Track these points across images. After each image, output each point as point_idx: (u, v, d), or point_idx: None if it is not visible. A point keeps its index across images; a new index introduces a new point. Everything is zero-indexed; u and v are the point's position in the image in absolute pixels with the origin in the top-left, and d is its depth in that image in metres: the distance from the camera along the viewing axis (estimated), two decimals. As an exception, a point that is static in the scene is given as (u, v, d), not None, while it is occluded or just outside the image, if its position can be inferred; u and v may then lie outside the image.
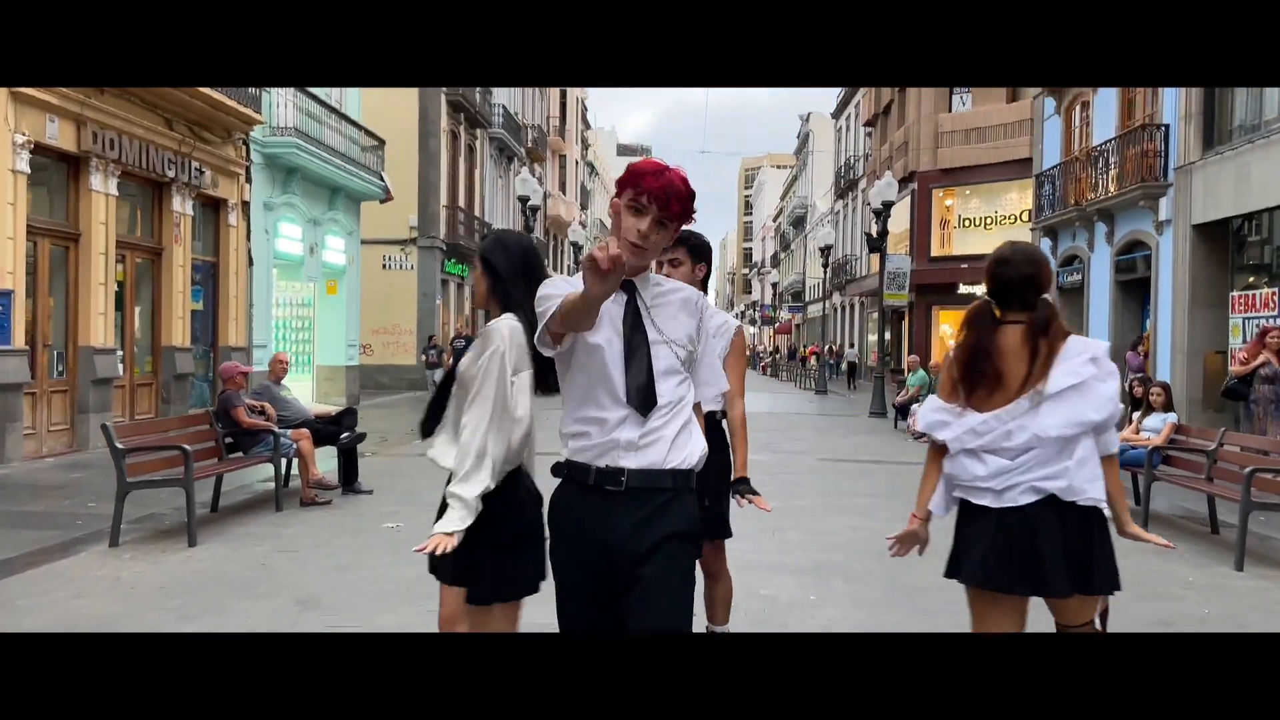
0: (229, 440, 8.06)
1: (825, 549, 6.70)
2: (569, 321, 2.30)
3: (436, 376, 20.44)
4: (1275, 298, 12.53)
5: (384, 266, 25.13)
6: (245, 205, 15.19)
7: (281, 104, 15.80)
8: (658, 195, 2.32)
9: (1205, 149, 14.09)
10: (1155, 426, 8.26)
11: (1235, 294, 13.57)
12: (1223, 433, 7.70)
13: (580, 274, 2.17)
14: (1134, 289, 16.80)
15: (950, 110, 29.64)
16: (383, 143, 20.77)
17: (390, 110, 23.46)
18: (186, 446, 6.71)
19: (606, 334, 2.39)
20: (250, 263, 15.49)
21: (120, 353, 12.18)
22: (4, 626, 4.72)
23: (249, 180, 15.25)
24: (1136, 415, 8.69)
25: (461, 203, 28.34)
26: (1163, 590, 5.66)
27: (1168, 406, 8.39)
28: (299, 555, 6.37)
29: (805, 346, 46.16)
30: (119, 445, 6.49)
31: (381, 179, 20.28)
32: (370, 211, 21.59)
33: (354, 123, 19.23)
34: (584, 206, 52.56)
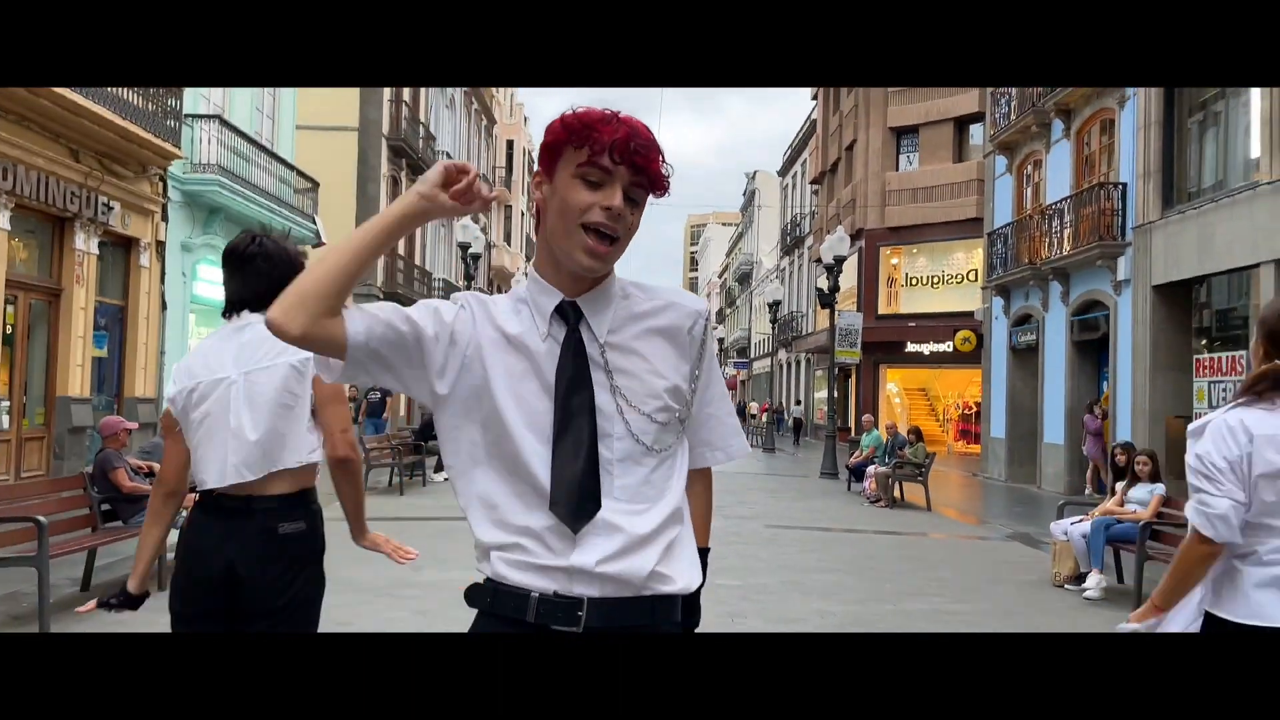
0: (106, 507, 6.99)
1: (777, 619, 5.85)
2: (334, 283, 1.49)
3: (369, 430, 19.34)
4: (1241, 362, 12.16)
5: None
6: (160, 245, 14.11)
7: (205, 139, 14.83)
8: (624, 148, 1.50)
9: (1165, 208, 13.84)
10: (1142, 498, 7.63)
11: (1199, 357, 13.21)
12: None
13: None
14: (1090, 349, 16.46)
15: (897, 169, 29.68)
16: (316, 185, 19.85)
17: (327, 153, 22.61)
18: (41, 518, 5.64)
19: (527, 388, 1.55)
20: (164, 307, 14.36)
21: (7, 403, 10.98)
22: None
23: (165, 219, 14.19)
24: (1121, 485, 8.06)
25: (401, 249, 27.43)
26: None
27: (1154, 476, 7.77)
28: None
29: (757, 403, 45.61)
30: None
31: (314, 222, 19.32)
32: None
33: (285, 162, 18.30)
34: (529, 258, 51.90)
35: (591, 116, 1.51)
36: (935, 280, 29.01)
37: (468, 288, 22.19)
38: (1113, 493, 8.28)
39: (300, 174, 19.00)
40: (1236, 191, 12.18)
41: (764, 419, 33.23)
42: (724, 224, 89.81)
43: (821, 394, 34.20)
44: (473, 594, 1.60)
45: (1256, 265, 11.63)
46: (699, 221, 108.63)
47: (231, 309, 2.71)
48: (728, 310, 70.95)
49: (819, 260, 21.68)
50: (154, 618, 2.88)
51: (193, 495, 2.69)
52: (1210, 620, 2.43)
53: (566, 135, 1.52)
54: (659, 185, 1.54)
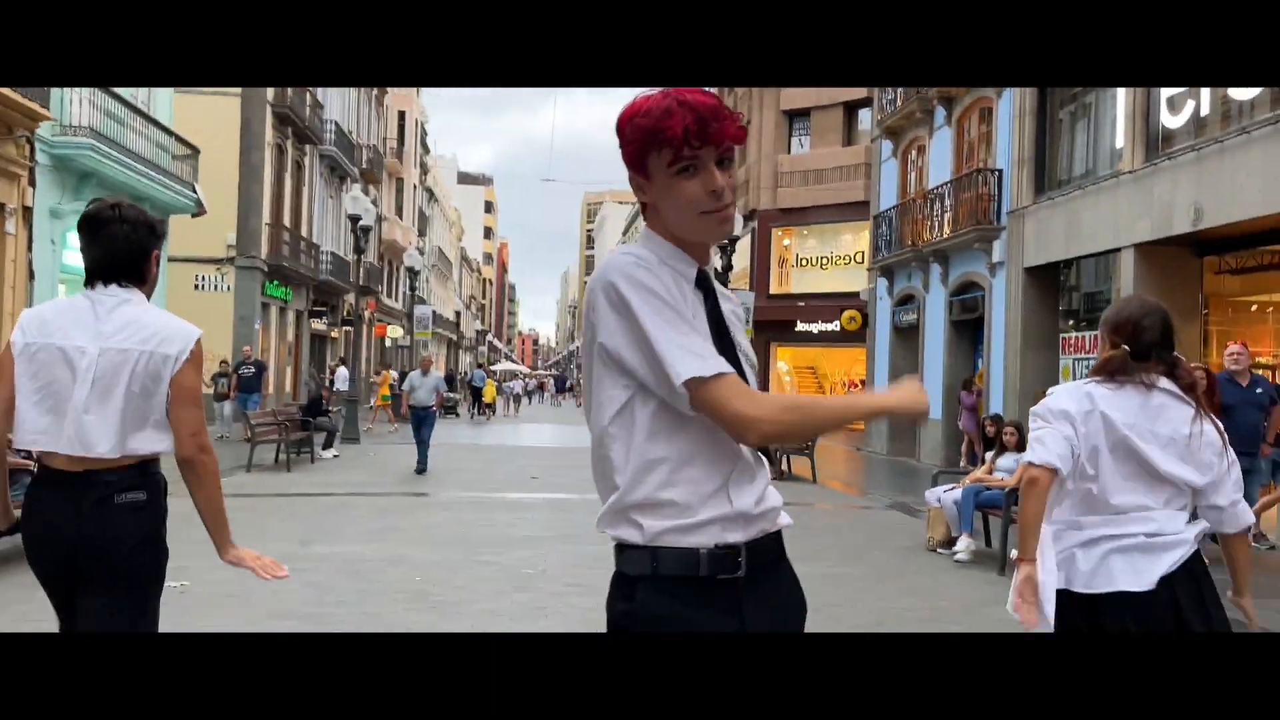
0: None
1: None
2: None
3: (227, 410, 18.29)
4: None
5: (196, 287, 23.14)
6: (27, 211, 13.37)
7: (75, 100, 14.08)
8: (697, 132, 1.56)
9: (1037, 194, 14.57)
10: (1009, 467, 8.10)
11: (1065, 336, 14.01)
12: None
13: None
14: (967, 329, 17.23)
15: (789, 151, 30.26)
16: (196, 151, 19.06)
17: (208, 119, 21.70)
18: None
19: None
20: (31, 276, 13.63)
21: None
22: None
23: (33, 184, 13.45)
24: (990, 455, 8.54)
25: (287, 221, 26.59)
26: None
27: (1021, 446, 8.24)
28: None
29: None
30: None
31: (194, 190, 18.57)
32: (181, 227, 19.74)
33: (163, 128, 17.52)
34: (422, 232, 50.90)
35: (654, 116, 1.57)
36: (824, 261, 29.76)
37: (357, 262, 21.68)
38: (983, 462, 8.76)
39: (179, 140, 18.22)
40: (1102, 180, 12.93)
41: None
42: (621, 202, 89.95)
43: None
44: (631, 557, 1.65)
45: (1118, 250, 12.39)
46: (596, 200, 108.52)
47: (92, 278, 2.64)
48: (623, 289, 71.14)
49: (713, 239, 21.97)
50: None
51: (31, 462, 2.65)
52: (1061, 598, 2.66)
53: (644, 141, 1.59)
54: (740, 140, 1.62)
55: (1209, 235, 11.24)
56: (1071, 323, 14.24)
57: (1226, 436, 2.71)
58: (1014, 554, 2.75)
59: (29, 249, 13.56)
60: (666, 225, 1.67)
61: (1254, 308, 13.55)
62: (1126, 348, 2.68)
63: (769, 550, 1.65)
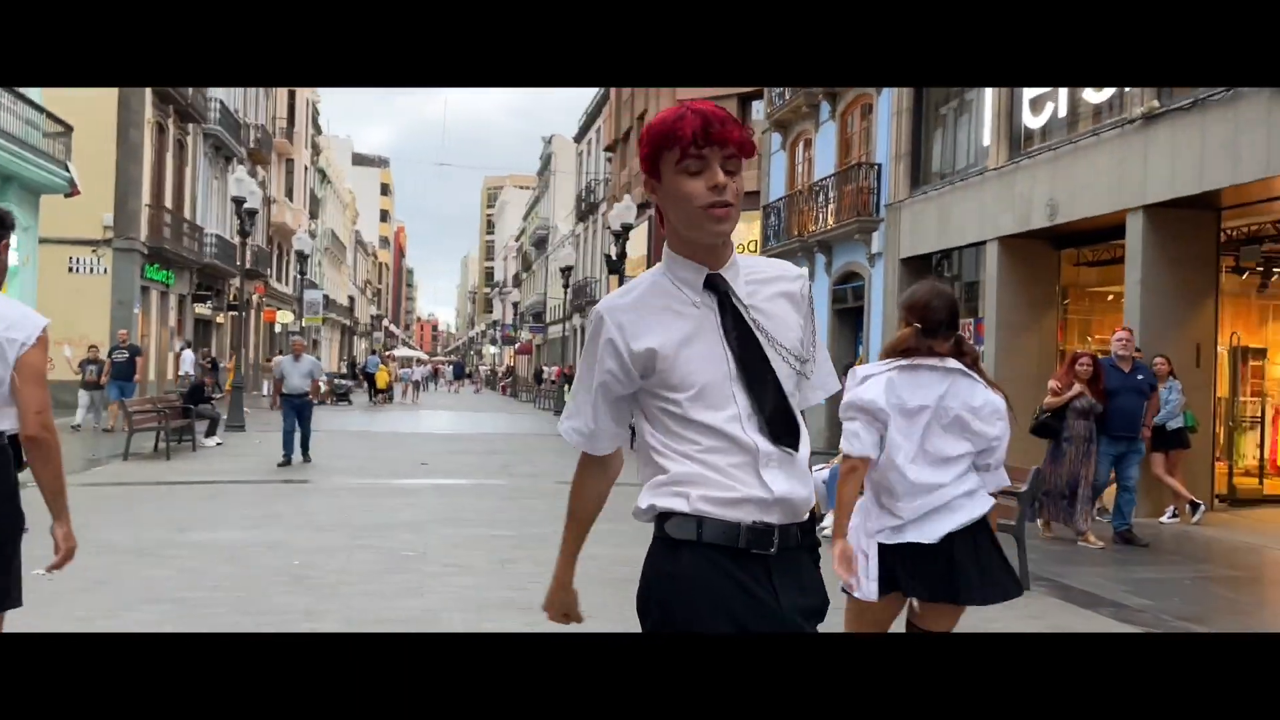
0: None
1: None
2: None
3: (86, 399, 16.80)
4: (970, 329, 13.68)
5: (70, 270, 22.21)
6: (-121, 188, 12.68)
7: (-66, 72, 13.37)
8: (704, 133, 1.72)
9: (913, 188, 15.24)
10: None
11: (936, 323, 14.71)
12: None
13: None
14: (849, 317, 17.90)
15: (685, 141, 30.71)
16: (69, 129, 18.29)
17: (82, 95, 20.78)
18: None
19: (701, 352, 1.80)
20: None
21: None
22: None
23: (-114, 159, 12.75)
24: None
25: (168, 203, 25.69)
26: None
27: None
28: None
29: (548, 368, 45.86)
30: None
31: (67, 170, 17.82)
32: (54, 207, 18.93)
33: (33, 104, 16.76)
34: (313, 215, 49.67)
35: (668, 121, 1.74)
36: (719, 249, 30.36)
37: (242, 245, 21.09)
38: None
39: (51, 117, 17.45)
40: (970, 176, 13.63)
41: (560, 383, 33.65)
42: (521, 187, 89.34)
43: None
44: (669, 525, 1.84)
45: (984, 242, 13.10)
46: (496, 184, 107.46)
47: None
48: (524, 275, 70.86)
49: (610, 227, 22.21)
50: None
51: None
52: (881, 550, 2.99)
53: (656, 143, 1.75)
54: (747, 150, 1.75)
55: (1065, 230, 12.00)
56: (943, 311, 14.98)
57: (1009, 406, 3.08)
58: (827, 531, 3.07)
59: (-118, 228, 12.85)
60: (673, 227, 1.83)
61: (1110, 298, 14.51)
62: (918, 325, 3.01)
63: (795, 536, 1.83)
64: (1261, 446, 12.20)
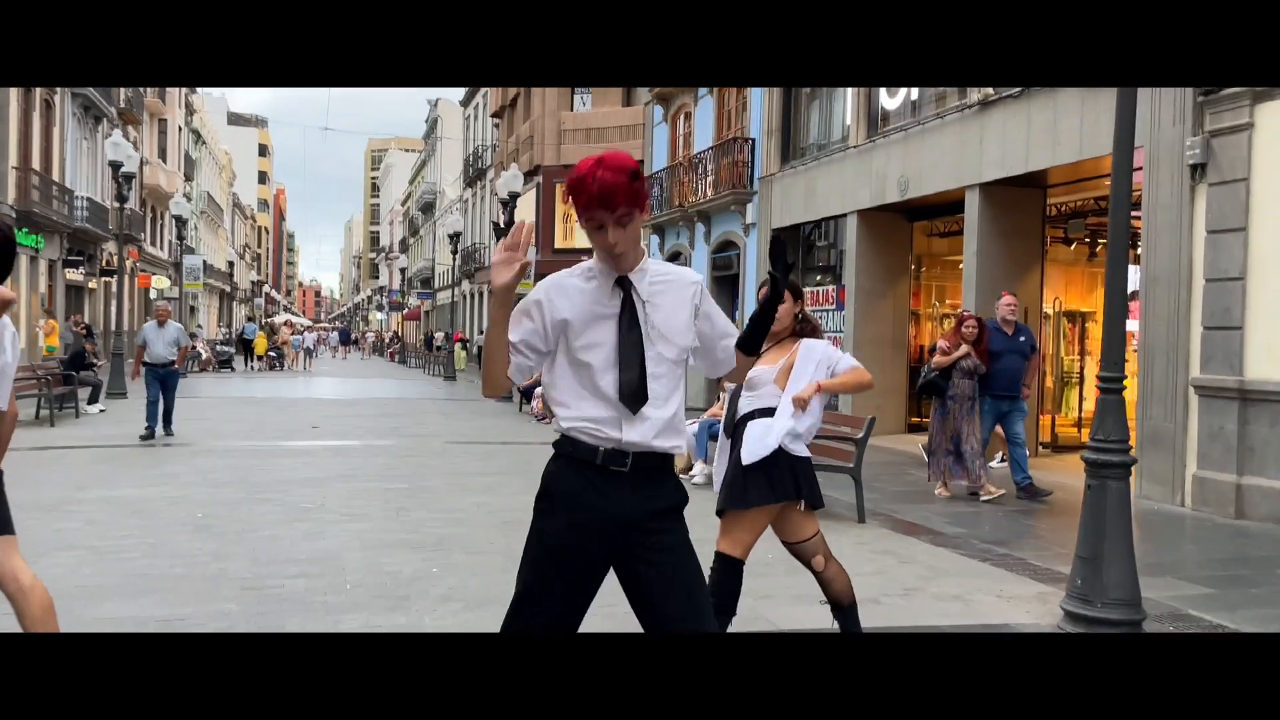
0: None
1: (449, 525, 6.90)
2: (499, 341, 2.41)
3: None
4: (834, 293, 14.76)
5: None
6: None
7: None
8: (596, 205, 2.30)
9: (783, 162, 16.19)
10: (739, 403, 9.46)
11: (806, 289, 15.77)
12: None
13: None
14: (727, 284, 18.84)
15: (572, 109, 31.08)
16: (-71, 87, 17.57)
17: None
18: None
19: (599, 336, 2.40)
20: None
21: None
22: None
23: None
24: (723, 394, 9.86)
25: (37, 165, 24.73)
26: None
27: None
28: None
29: (444, 333, 45.75)
30: None
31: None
32: (-88, 167, 18.17)
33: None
34: (189, 177, 47.97)
35: (576, 184, 2.30)
36: (606, 217, 30.96)
37: (120, 209, 20.60)
38: (719, 400, 10.08)
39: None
40: (834, 153, 14.63)
41: (455, 348, 33.80)
42: (406, 150, 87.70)
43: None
44: (559, 444, 2.47)
45: (845, 215, 14.14)
46: (380, 147, 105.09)
47: None
48: (410, 240, 69.91)
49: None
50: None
51: None
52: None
53: (568, 198, 2.34)
54: (639, 206, 2.33)
55: (917, 204, 13.11)
56: (808, 278, 16.04)
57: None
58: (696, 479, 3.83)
59: None
60: (595, 250, 2.47)
61: (959, 266, 15.80)
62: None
63: (648, 459, 2.43)
64: (1081, 400, 13.67)
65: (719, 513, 3.88)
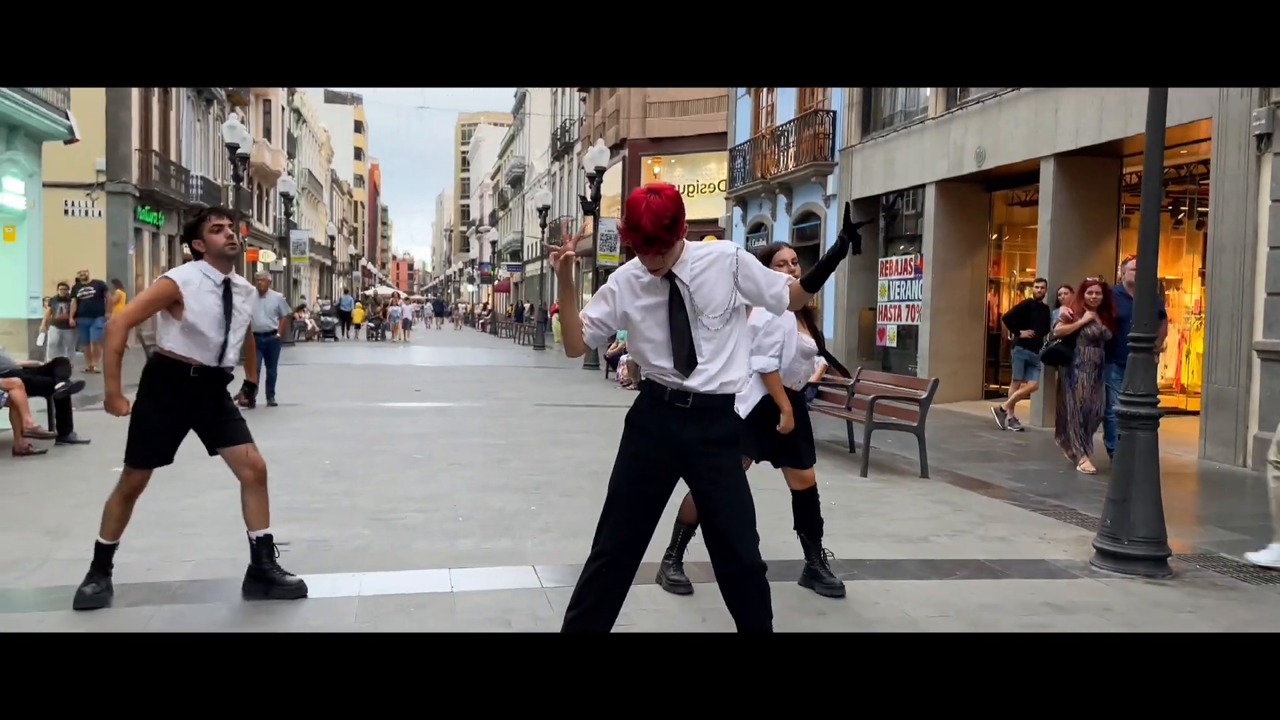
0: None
1: (543, 473, 7.69)
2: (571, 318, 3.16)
3: (52, 337, 16.30)
4: (912, 263, 15.09)
5: (65, 212, 23.06)
6: (-94, 140, 13.65)
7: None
8: (640, 246, 2.96)
9: (864, 134, 16.49)
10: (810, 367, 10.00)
11: (883, 259, 16.12)
12: (859, 371, 9.54)
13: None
14: (808, 254, 19.21)
15: (658, 82, 31.60)
16: (67, 77, 19.08)
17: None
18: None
19: (657, 319, 3.07)
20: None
21: None
22: None
23: (-90, 112, 13.70)
24: (799, 358, 10.43)
25: (156, 146, 26.46)
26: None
27: (820, 351, 10.15)
28: (31, 497, 6.43)
29: (532, 305, 46.87)
30: None
31: (67, 118, 18.68)
32: (52, 153, 19.78)
33: (33, 54, 17.55)
34: (291, 155, 50.07)
35: (627, 222, 2.95)
36: (690, 189, 31.40)
37: (235, 187, 22.04)
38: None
39: (49, 66, 18.24)
40: (913, 124, 14.90)
41: (553, 320, 34.73)
42: (495, 124, 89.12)
43: (589, 294, 36.24)
44: (642, 385, 3.19)
45: (924, 185, 14.44)
46: (470, 121, 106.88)
47: None
48: (500, 213, 71.39)
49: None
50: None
51: None
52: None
53: (624, 233, 3.01)
54: (676, 240, 2.96)
55: (996, 174, 13.35)
56: (889, 248, 16.36)
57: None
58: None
59: (-91, 177, 13.83)
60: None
61: (1041, 235, 15.95)
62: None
63: (710, 398, 3.10)
64: (1167, 366, 13.76)
65: None
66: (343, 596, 4.40)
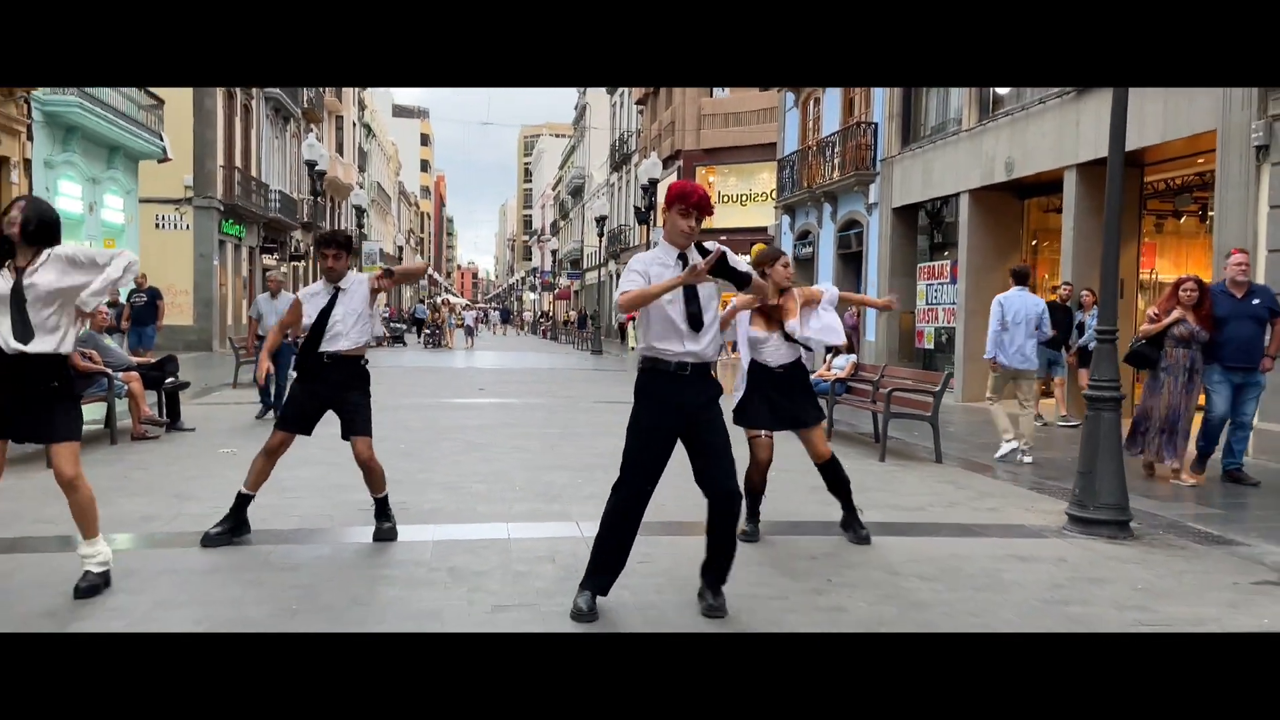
0: (64, 382, 8.89)
1: (592, 457, 8.61)
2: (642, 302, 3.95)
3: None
4: (948, 268, 15.73)
5: (157, 226, 24.79)
6: (27, 163, 15.19)
7: (61, 62, 15.75)
8: (695, 204, 3.97)
9: (903, 145, 17.17)
10: (840, 365, 10.79)
11: (921, 265, 16.77)
12: (883, 367, 10.32)
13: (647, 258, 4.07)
14: (851, 260, 19.94)
15: (711, 95, 32.47)
16: (161, 102, 20.69)
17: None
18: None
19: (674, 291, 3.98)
20: (31, 220, 15.43)
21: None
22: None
23: (30, 139, 15.24)
24: (829, 357, 11.21)
25: (238, 163, 28.16)
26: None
27: (849, 349, 10.95)
28: (153, 470, 7.56)
29: (592, 312, 48.03)
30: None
31: (161, 138, 20.26)
32: (145, 170, 21.41)
33: (132, 81, 19.14)
34: (362, 168, 52.06)
35: (682, 191, 3.96)
36: (744, 198, 32.25)
37: (314, 202, 23.49)
38: (825, 364, 11.45)
39: (147, 91, 19.82)
40: (949, 135, 15.55)
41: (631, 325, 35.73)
42: (557, 135, 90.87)
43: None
44: (644, 360, 4.09)
45: (958, 194, 15.08)
46: (533, 133, 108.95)
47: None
48: (561, 223, 72.87)
49: (637, 180, 24.21)
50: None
51: None
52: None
53: (674, 196, 3.97)
54: (706, 214, 3.98)
55: (1027, 182, 13.95)
56: (928, 253, 17.00)
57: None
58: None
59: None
60: (667, 230, 4.11)
61: (1078, 240, 16.44)
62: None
63: (701, 366, 4.08)
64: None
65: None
66: (421, 540, 5.38)
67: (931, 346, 16.16)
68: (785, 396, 5.35)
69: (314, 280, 5.55)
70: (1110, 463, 5.78)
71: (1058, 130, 12.37)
